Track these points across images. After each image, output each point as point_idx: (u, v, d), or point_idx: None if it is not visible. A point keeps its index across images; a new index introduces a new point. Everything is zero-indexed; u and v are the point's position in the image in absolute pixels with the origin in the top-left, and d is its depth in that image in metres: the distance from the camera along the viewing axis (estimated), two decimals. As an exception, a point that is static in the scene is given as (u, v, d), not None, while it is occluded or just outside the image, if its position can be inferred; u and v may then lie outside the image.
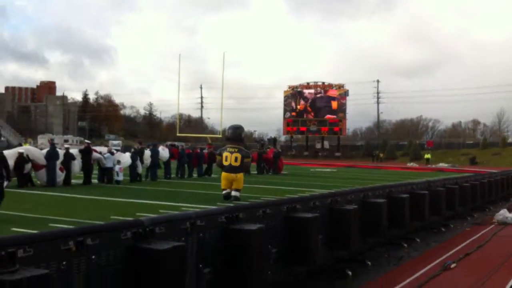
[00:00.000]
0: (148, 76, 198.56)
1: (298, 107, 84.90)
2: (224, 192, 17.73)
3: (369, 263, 10.33)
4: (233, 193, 17.39)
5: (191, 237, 6.42)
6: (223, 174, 17.85)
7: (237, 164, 17.15)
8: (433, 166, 60.51)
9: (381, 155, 75.56)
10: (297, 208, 8.84)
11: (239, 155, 17.04)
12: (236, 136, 17.74)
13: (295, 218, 8.52)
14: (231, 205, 8.20)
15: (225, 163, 17.51)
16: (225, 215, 7.13)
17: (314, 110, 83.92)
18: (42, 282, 4.09)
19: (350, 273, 9.43)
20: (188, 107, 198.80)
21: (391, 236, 12.50)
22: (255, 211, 7.84)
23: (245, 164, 17.73)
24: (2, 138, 68.73)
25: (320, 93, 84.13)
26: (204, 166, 32.98)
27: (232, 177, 17.46)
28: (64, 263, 4.74)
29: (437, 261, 10.74)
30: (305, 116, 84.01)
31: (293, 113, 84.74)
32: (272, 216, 8.15)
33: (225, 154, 17.52)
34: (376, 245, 11.98)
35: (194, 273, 6.42)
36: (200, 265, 6.56)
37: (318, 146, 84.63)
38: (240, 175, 17.37)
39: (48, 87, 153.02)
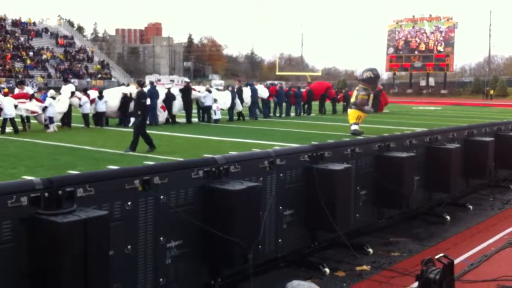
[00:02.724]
0: (250, 16, 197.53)
1: (402, 42, 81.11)
2: None
3: (471, 207, 9.52)
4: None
5: (270, 177, 6.04)
6: None
7: (353, 100, 19.74)
8: (550, 103, 56.08)
9: (491, 92, 70.90)
10: (391, 147, 8.18)
11: (356, 93, 19.53)
12: (362, 76, 20.02)
13: (387, 157, 7.86)
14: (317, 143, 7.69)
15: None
16: (308, 153, 6.66)
17: (418, 44, 79.84)
18: (100, 225, 3.84)
19: (448, 217, 8.72)
20: (289, 46, 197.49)
21: (497, 178, 11.52)
22: (343, 149, 7.28)
23: (359, 101, 19.47)
24: (113, 79, 71.61)
25: (426, 26, 79.66)
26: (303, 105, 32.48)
27: (348, 112, 20.12)
28: (129, 203, 4.52)
29: (550, 206, 9.72)
30: (410, 52, 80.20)
31: (398, 48, 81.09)
32: (362, 156, 7.58)
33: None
34: (480, 188, 11.08)
35: (273, 215, 6.07)
36: (281, 207, 6.19)
37: (423, 83, 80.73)
38: (351, 111, 19.73)
39: (155, 28, 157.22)
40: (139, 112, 14.52)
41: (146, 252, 4.66)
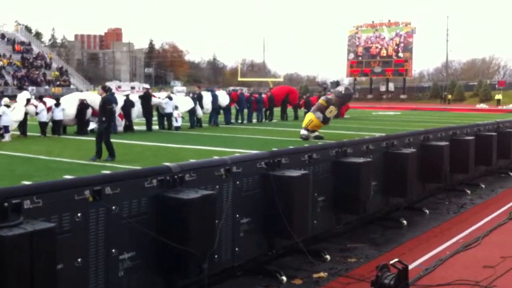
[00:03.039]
0: (212, 21, 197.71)
1: (362, 48, 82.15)
2: None
3: (427, 211, 9.66)
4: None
5: (226, 185, 5.99)
6: None
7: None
8: (504, 107, 57.53)
9: (449, 96, 72.45)
10: (348, 152, 8.23)
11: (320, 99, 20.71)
12: (335, 88, 21.41)
13: (344, 163, 7.92)
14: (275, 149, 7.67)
15: None
16: (265, 160, 6.63)
17: (378, 50, 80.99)
18: (47, 238, 3.73)
19: (405, 222, 8.82)
20: (251, 51, 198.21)
21: (453, 182, 11.74)
22: (300, 156, 7.29)
23: (317, 105, 20.33)
24: (72, 86, 70.44)
25: (385, 32, 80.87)
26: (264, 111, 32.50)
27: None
28: (79, 214, 4.40)
29: (503, 208, 9.93)
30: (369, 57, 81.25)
31: (358, 53, 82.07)
32: (319, 162, 7.60)
33: None
34: (436, 192, 11.26)
35: (230, 223, 6.02)
36: (237, 215, 6.15)
37: (383, 88, 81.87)
38: (307, 114, 21.20)
39: (115, 33, 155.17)
40: (103, 118, 14.24)
41: (98, 265, 4.55)
